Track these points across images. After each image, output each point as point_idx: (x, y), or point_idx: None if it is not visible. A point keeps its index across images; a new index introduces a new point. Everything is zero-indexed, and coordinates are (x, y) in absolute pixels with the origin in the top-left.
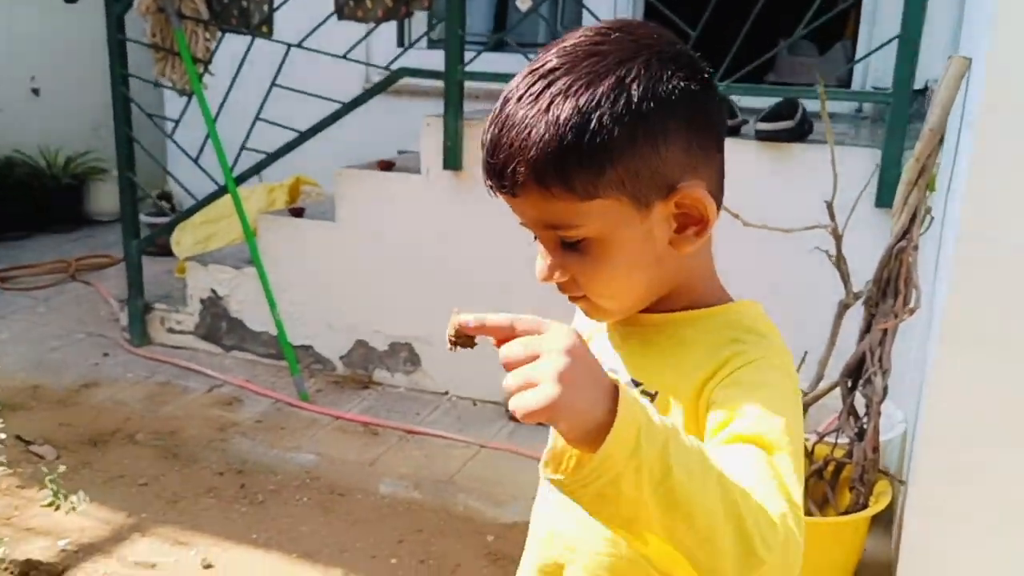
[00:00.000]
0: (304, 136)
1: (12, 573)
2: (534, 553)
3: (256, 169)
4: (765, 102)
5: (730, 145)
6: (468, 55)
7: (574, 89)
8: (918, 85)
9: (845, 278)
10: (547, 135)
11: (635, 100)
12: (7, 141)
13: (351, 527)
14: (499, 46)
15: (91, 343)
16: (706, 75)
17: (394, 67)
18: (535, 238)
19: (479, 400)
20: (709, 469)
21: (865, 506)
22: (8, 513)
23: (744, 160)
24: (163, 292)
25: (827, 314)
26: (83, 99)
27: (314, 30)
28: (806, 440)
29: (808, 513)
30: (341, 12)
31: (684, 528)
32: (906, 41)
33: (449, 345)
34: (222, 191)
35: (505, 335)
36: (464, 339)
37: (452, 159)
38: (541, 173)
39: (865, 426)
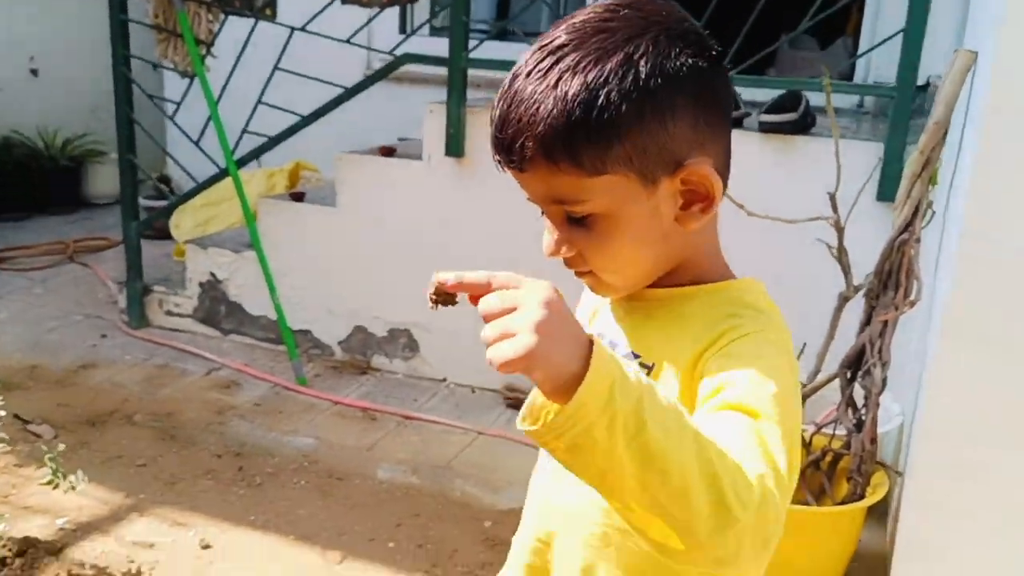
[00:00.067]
0: (307, 120)
1: (10, 550)
2: (529, 524)
3: (257, 153)
4: (768, 95)
5: (733, 136)
6: (471, 43)
7: (582, 65)
8: (920, 81)
9: (846, 270)
10: (555, 111)
11: (643, 76)
12: (5, 122)
13: (349, 511)
14: (502, 35)
15: (89, 324)
16: (714, 52)
17: (397, 53)
18: (542, 213)
19: (477, 387)
20: (685, 427)
21: (862, 497)
22: (6, 491)
23: (747, 152)
24: (162, 275)
25: (825, 306)
26: (82, 81)
27: (318, 13)
28: (804, 430)
29: (805, 503)
30: None
31: (658, 483)
32: (910, 35)
33: (431, 304)
34: (223, 174)
35: (482, 291)
36: (444, 296)
37: (454, 146)
38: (549, 148)
39: (863, 417)
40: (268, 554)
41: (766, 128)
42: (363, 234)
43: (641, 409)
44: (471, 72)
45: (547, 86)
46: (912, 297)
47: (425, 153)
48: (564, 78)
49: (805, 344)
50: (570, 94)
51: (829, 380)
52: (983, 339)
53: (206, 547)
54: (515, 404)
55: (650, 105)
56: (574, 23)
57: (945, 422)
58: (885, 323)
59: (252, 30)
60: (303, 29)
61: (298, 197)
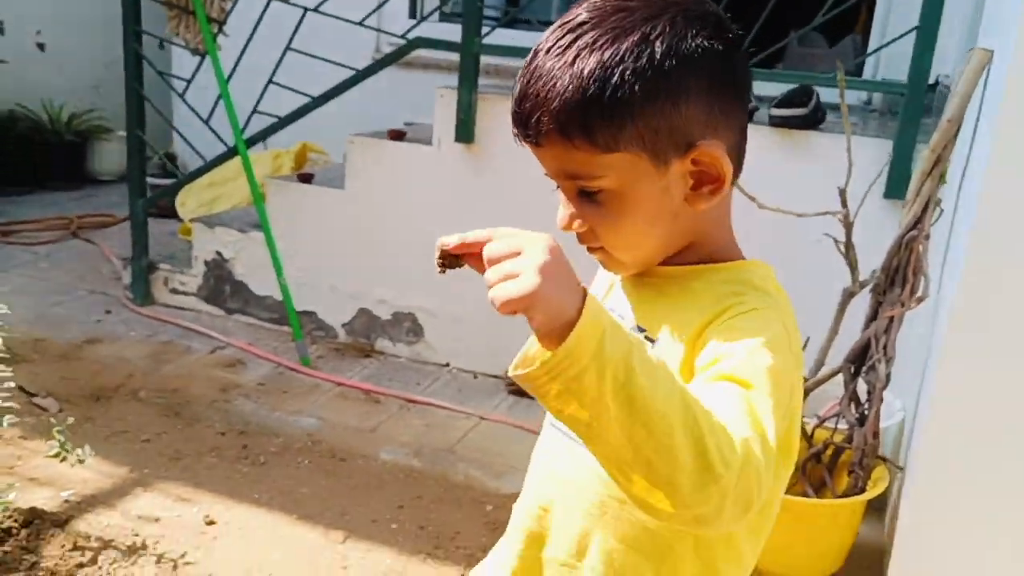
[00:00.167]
0: (317, 101)
1: (16, 521)
2: (530, 492)
3: (266, 133)
4: (778, 89)
5: None
6: (482, 30)
7: (599, 44)
8: (929, 80)
9: (852, 266)
10: (571, 87)
11: (658, 57)
12: (10, 95)
13: (352, 491)
14: (512, 22)
15: (93, 300)
16: (732, 35)
17: (409, 37)
18: (556, 187)
19: (480, 373)
20: (672, 384)
21: (863, 490)
22: (11, 463)
23: (756, 145)
24: (167, 253)
25: (826, 302)
26: (88, 56)
27: None
28: (806, 423)
29: (805, 495)
30: None
31: (643, 435)
32: (924, 32)
33: (438, 268)
34: (231, 153)
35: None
36: (450, 259)
37: (464, 132)
38: (564, 124)
39: (866, 412)
40: (272, 531)
41: (776, 122)
42: (371, 217)
43: (631, 359)
44: (481, 59)
45: (564, 63)
46: (919, 294)
47: (435, 138)
48: (581, 55)
49: (808, 338)
50: (586, 71)
51: (833, 374)
52: (990, 337)
53: (210, 523)
54: (517, 391)
55: (664, 86)
56: (595, 1)
57: (950, 419)
58: (891, 319)
59: (265, 9)
60: (316, 10)
61: (306, 178)
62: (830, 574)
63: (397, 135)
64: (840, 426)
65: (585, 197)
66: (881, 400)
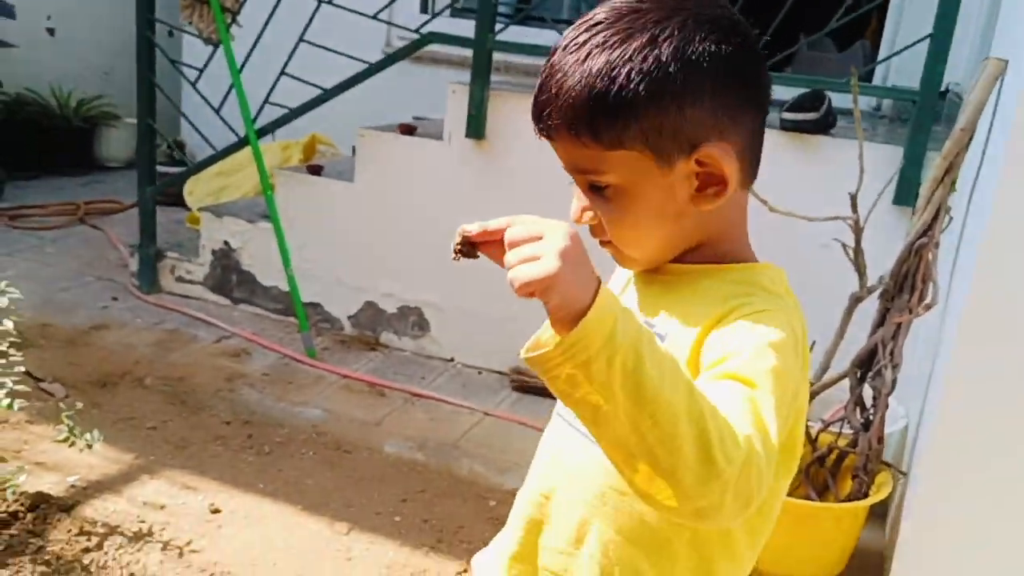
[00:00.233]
0: (330, 93)
1: (23, 505)
2: (534, 479)
3: (277, 124)
4: (790, 93)
5: None
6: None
7: (610, 43)
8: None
9: (861, 271)
10: (579, 84)
11: (664, 58)
12: (19, 79)
13: (356, 483)
14: (525, 19)
15: (100, 286)
16: (745, 39)
17: (422, 32)
18: (571, 181)
19: (484, 369)
20: (679, 376)
21: (866, 495)
22: (17, 447)
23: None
24: (174, 241)
25: (835, 307)
26: (98, 43)
27: None
28: (811, 427)
29: (808, 498)
30: None
31: (648, 424)
32: (938, 40)
33: (454, 255)
34: (242, 143)
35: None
36: (468, 248)
37: (475, 128)
38: (571, 120)
39: (871, 417)
40: (276, 521)
41: (788, 126)
42: (379, 210)
43: (640, 348)
44: (493, 56)
45: (577, 60)
46: (928, 301)
47: (446, 133)
48: (592, 54)
49: (815, 342)
50: (594, 69)
51: (839, 379)
52: (999, 346)
53: (215, 511)
54: (521, 387)
55: (669, 87)
56: (614, 2)
57: (956, 426)
58: (899, 325)
59: (279, 1)
60: (331, 2)
61: (315, 170)
62: None
63: (408, 129)
64: (844, 431)
65: (595, 191)
66: (887, 406)
